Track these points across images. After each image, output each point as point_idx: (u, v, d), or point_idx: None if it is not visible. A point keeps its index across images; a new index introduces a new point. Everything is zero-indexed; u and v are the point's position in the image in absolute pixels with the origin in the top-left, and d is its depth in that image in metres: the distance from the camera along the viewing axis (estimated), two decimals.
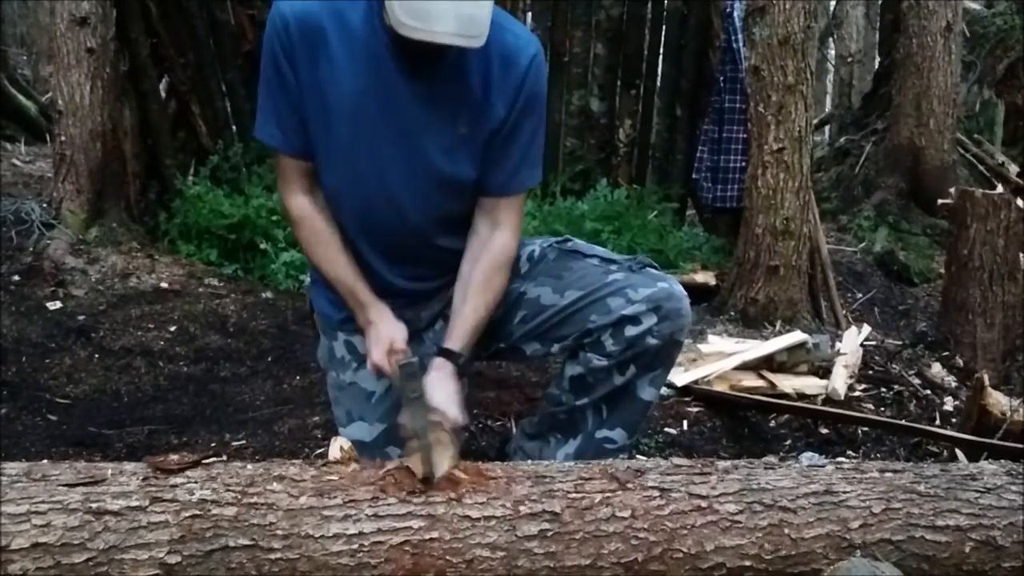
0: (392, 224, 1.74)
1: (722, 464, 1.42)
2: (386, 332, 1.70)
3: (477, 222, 1.76)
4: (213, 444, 2.49)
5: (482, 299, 1.72)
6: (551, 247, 1.86)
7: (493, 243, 1.74)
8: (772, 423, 2.79)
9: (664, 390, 2.84)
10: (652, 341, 1.70)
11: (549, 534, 1.28)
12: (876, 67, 7.93)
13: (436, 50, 1.53)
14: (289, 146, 1.69)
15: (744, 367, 2.99)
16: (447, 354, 1.69)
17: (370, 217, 1.74)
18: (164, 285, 3.84)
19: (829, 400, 2.91)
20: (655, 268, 1.79)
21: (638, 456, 2.38)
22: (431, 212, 1.74)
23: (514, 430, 2.46)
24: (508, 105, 1.67)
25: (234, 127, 4.62)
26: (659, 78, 4.89)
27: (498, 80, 1.65)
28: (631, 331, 1.70)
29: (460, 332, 1.71)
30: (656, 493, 1.34)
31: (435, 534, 1.26)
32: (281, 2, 1.64)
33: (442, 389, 1.61)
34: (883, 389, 3.12)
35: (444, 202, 1.74)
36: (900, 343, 3.66)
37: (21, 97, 7.53)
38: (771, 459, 1.49)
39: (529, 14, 4.85)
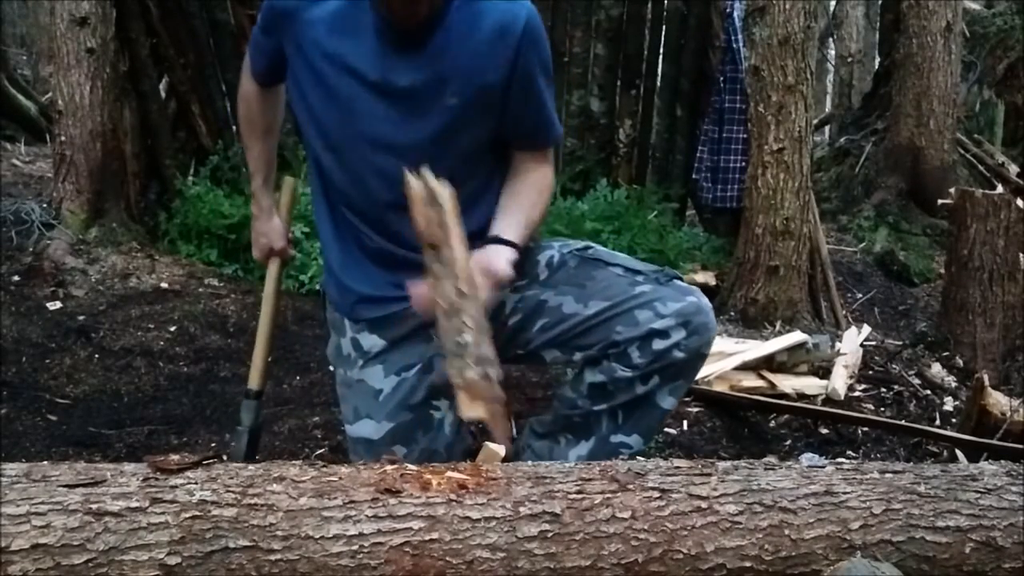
0: (392, 201, 1.73)
1: (722, 465, 1.42)
2: (266, 238, 2.03)
3: (513, 170, 1.79)
4: (213, 444, 2.49)
5: (532, 211, 1.74)
6: (571, 254, 1.84)
7: (530, 173, 1.78)
8: (772, 423, 2.79)
9: None
10: (679, 355, 1.70)
11: (549, 535, 1.28)
12: (876, 67, 7.93)
13: (422, 28, 1.59)
14: (252, 71, 1.91)
15: (744, 367, 2.99)
16: (502, 241, 1.67)
17: (367, 196, 1.75)
18: (164, 285, 3.84)
19: (829, 400, 2.91)
20: (681, 280, 1.79)
21: (638, 457, 2.38)
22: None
23: (515, 430, 2.46)
24: (506, 72, 1.66)
25: (234, 127, 4.62)
26: (659, 78, 4.88)
27: (491, 50, 1.65)
28: (659, 344, 1.69)
29: (515, 227, 1.69)
30: (656, 494, 1.34)
31: (435, 535, 1.26)
32: None
33: (492, 262, 1.60)
34: (883, 389, 3.12)
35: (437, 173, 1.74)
36: (900, 343, 3.66)
37: (21, 97, 7.53)
38: (771, 460, 1.48)
39: None
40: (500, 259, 1.62)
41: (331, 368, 2.06)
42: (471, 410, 1.30)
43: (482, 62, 1.65)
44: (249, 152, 1.99)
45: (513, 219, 1.71)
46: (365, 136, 1.70)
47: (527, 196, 1.76)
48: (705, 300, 1.75)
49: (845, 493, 1.37)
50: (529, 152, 1.79)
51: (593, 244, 1.90)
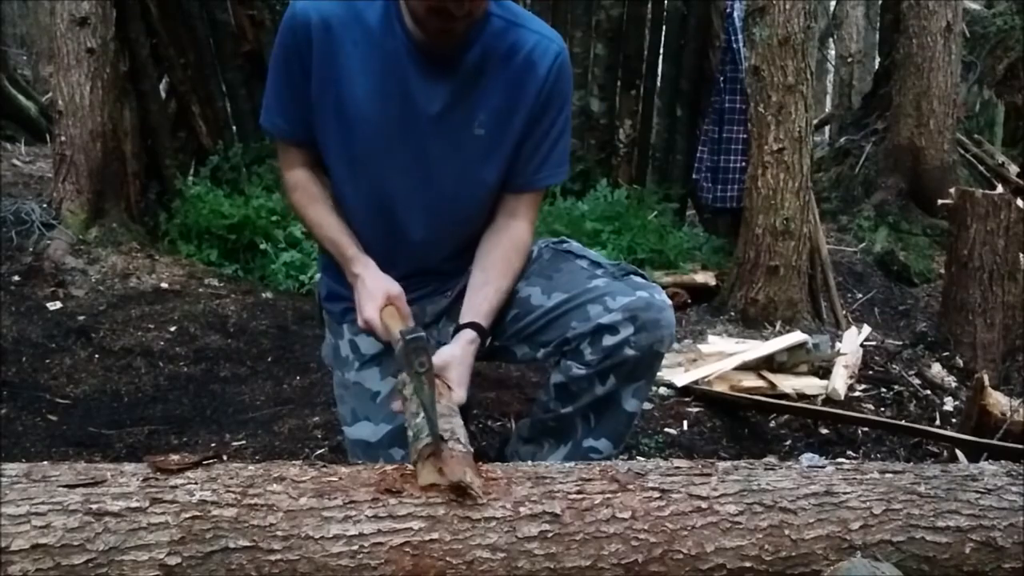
0: (403, 228, 1.75)
1: (722, 465, 1.42)
2: (376, 286, 1.68)
3: (496, 214, 1.80)
4: (213, 444, 2.49)
5: (503, 281, 1.74)
6: (547, 247, 1.87)
7: (510, 230, 1.77)
8: (772, 423, 2.79)
9: (664, 390, 2.84)
10: (630, 352, 1.67)
11: (549, 535, 1.28)
12: (876, 67, 7.93)
13: (454, 51, 1.57)
14: (293, 134, 1.74)
15: (744, 367, 2.99)
16: (477, 327, 1.68)
17: (381, 220, 1.75)
18: (164, 285, 3.84)
19: (829, 400, 2.91)
20: (640, 275, 1.76)
21: (638, 457, 2.38)
22: (443, 219, 1.75)
23: (514, 431, 2.46)
24: (529, 106, 1.68)
25: (234, 127, 4.63)
26: (659, 78, 4.89)
27: (519, 82, 1.66)
28: (608, 341, 1.67)
29: (486, 309, 1.70)
30: (656, 494, 1.33)
31: (435, 535, 1.26)
32: (298, 1, 1.66)
33: (460, 364, 1.61)
34: (883, 389, 3.12)
35: (456, 206, 1.74)
36: (900, 343, 3.66)
37: (21, 97, 7.54)
38: (771, 460, 1.48)
39: None
40: (461, 377, 1.59)
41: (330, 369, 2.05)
42: (424, 478, 1.31)
43: (511, 98, 1.67)
44: (324, 224, 1.75)
45: (486, 300, 1.71)
46: (389, 162, 1.69)
47: (501, 266, 1.75)
48: (660, 297, 1.70)
49: (845, 493, 1.37)
50: (524, 194, 1.78)
51: (569, 239, 1.91)
